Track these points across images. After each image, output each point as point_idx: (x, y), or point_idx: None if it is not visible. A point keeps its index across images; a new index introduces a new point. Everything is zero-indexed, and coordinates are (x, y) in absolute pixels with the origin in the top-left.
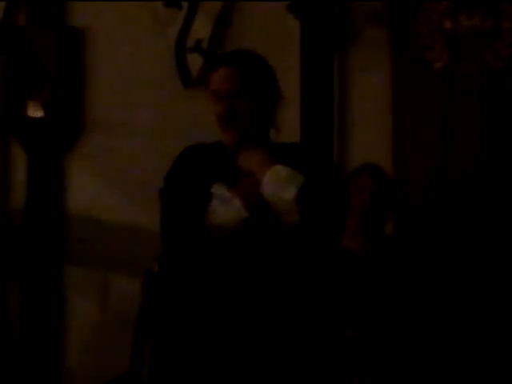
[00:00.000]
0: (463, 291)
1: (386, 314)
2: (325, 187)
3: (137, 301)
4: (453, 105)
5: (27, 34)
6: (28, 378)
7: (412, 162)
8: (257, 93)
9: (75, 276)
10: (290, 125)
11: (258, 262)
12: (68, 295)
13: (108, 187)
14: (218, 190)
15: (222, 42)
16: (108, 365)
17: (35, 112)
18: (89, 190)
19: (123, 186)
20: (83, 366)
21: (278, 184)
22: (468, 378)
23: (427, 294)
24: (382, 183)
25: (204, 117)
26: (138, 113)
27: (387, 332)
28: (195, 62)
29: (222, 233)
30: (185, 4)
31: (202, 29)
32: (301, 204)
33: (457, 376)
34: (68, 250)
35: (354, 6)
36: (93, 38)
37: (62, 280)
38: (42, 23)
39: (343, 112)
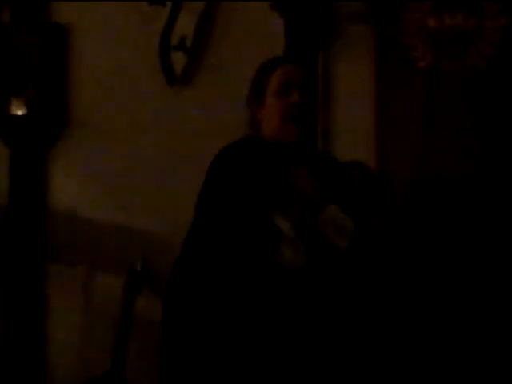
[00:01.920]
0: (448, 287)
1: (372, 308)
2: (370, 234)
3: (120, 299)
4: (436, 103)
5: (11, 31)
6: (11, 376)
7: (396, 160)
8: (314, 94)
9: (58, 274)
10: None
11: (320, 296)
12: (51, 293)
13: (91, 185)
14: (284, 226)
15: (206, 39)
16: (91, 363)
17: (18, 109)
18: (72, 187)
19: (107, 183)
20: (66, 364)
21: (333, 230)
22: (450, 373)
23: (413, 290)
24: (366, 181)
25: (188, 114)
26: (121, 110)
27: (372, 326)
28: (179, 59)
29: (288, 273)
30: (169, 2)
31: (185, 26)
32: (351, 250)
33: (436, 370)
34: (51, 248)
35: (339, 6)
36: (77, 36)
37: (45, 278)
38: (26, 20)
39: (327, 110)
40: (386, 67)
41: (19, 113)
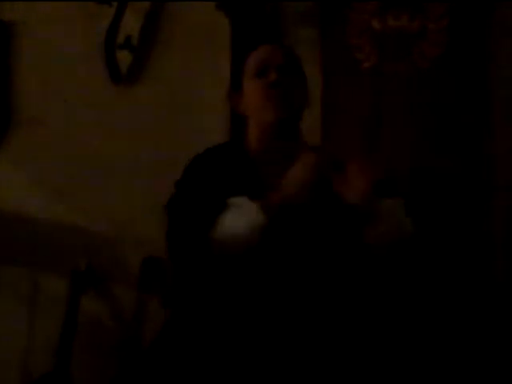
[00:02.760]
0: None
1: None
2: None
3: (65, 299)
4: (382, 105)
5: None
6: None
7: None
8: (299, 77)
9: (2, 274)
10: (220, 126)
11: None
12: None
13: (36, 185)
14: (237, 200)
15: (152, 39)
16: (37, 364)
17: None
18: (16, 187)
19: (51, 183)
20: (10, 365)
21: (397, 225)
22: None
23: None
24: None
25: (133, 113)
26: (67, 110)
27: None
28: (125, 58)
29: (233, 249)
30: (114, 2)
31: (131, 26)
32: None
33: None
34: None
35: (286, 7)
36: (22, 35)
37: None
38: None
39: None
40: (331, 68)
41: None
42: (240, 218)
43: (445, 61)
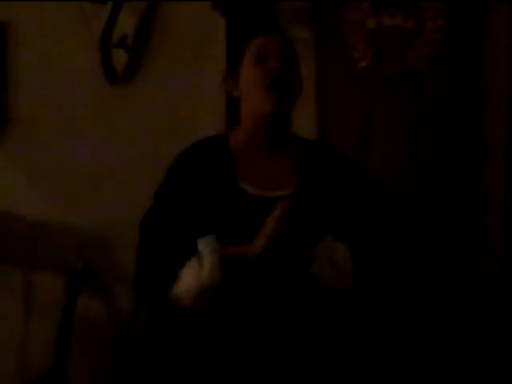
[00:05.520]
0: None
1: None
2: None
3: (60, 299)
4: (377, 104)
5: None
6: None
7: None
8: (297, 65)
9: None
10: (218, 125)
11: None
12: None
13: (32, 184)
14: (204, 243)
15: (148, 38)
16: (33, 365)
17: None
18: (12, 186)
19: (47, 183)
20: (7, 367)
21: (334, 272)
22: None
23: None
24: None
25: (128, 113)
26: (62, 109)
27: None
28: (120, 57)
29: (186, 305)
30: (110, 1)
31: (127, 25)
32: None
33: None
34: None
35: (281, 5)
36: (17, 34)
37: None
38: None
39: None
40: (326, 67)
41: None
42: (196, 277)
43: (440, 60)
